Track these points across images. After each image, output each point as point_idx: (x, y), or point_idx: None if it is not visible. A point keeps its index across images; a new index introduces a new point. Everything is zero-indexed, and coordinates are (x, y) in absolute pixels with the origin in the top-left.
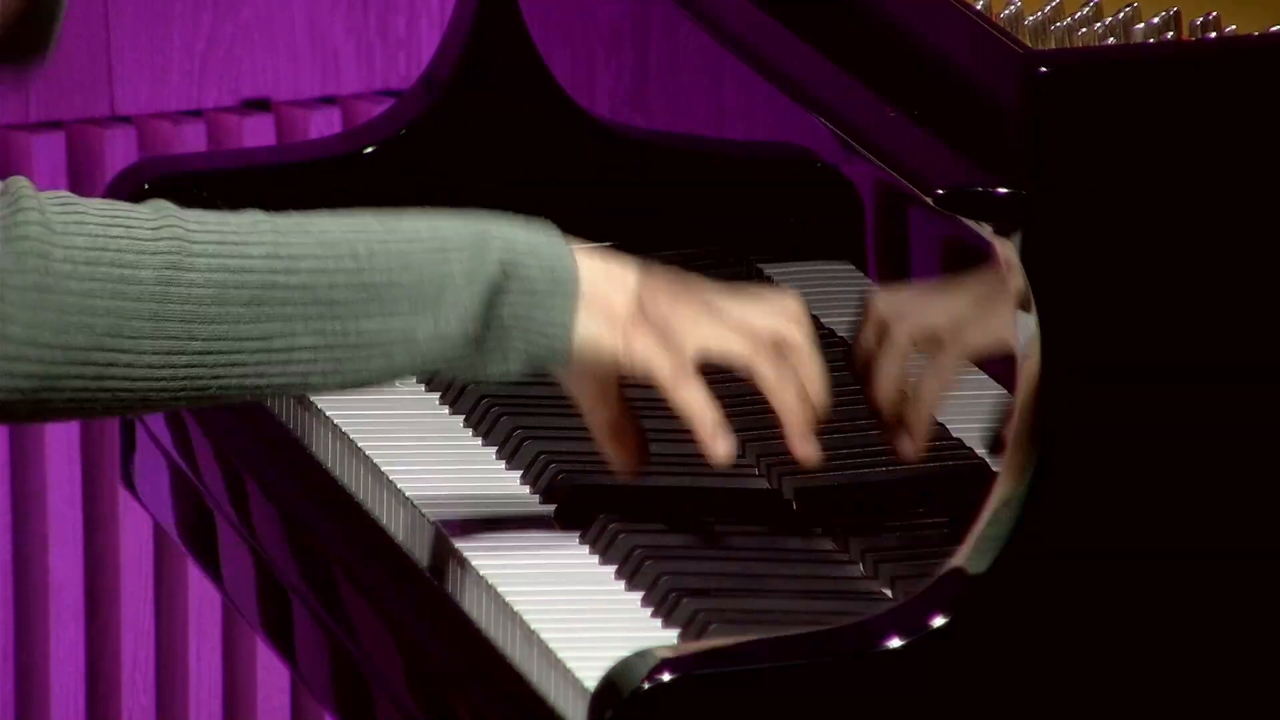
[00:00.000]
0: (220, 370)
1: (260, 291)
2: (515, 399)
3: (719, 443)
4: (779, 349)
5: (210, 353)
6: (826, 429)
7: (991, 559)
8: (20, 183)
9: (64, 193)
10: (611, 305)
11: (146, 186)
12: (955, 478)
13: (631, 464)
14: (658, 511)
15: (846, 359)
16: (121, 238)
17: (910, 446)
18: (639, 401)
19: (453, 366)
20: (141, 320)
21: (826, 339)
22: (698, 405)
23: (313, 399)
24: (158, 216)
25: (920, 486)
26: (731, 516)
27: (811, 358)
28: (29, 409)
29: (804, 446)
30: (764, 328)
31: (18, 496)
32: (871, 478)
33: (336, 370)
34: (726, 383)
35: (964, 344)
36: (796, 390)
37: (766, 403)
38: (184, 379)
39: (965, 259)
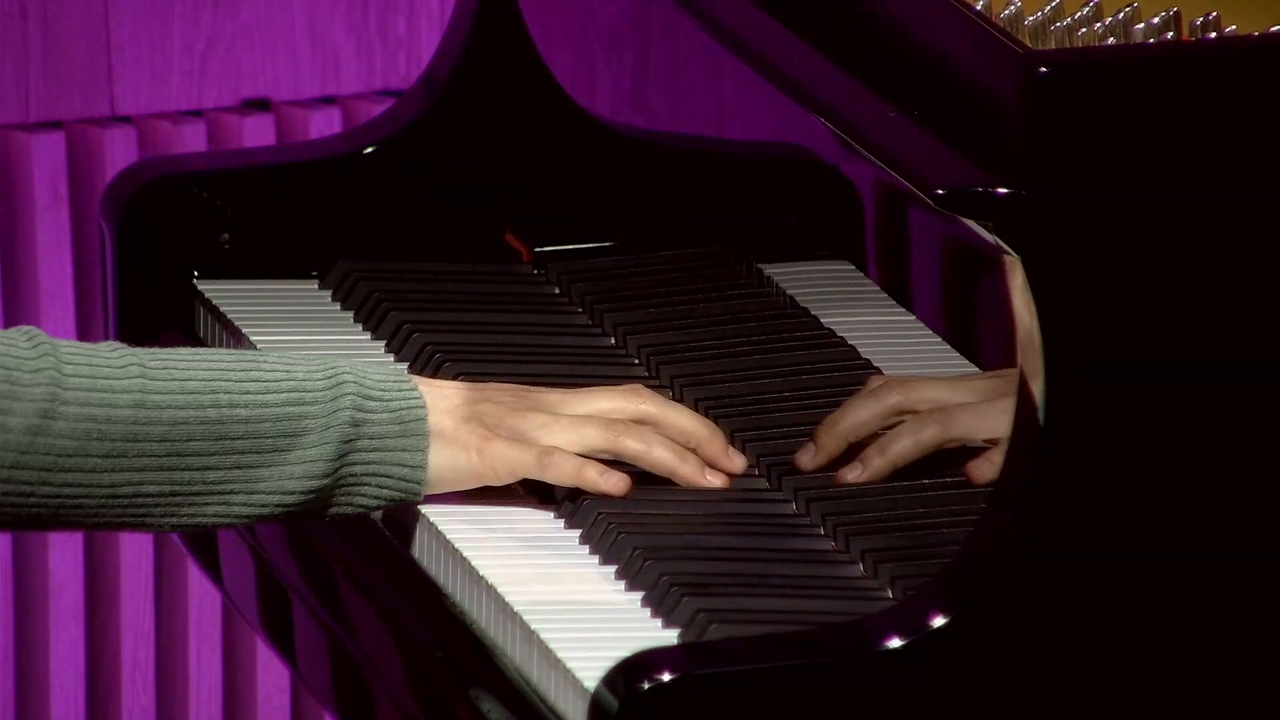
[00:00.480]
0: (63, 511)
1: (121, 444)
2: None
3: (610, 482)
4: (631, 423)
5: (58, 498)
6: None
7: (991, 559)
8: None
9: None
10: (460, 436)
11: (158, 183)
12: (955, 478)
13: (614, 492)
14: (658, 512)
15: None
16: (1, 382)
17: (812, 460)
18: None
19: (291, 514)
20: (1, 468)
21: (826, 339)
22: (571, 470)
23: None
24: (36, 355)
25: (920, 487)
26: (731, 516)
27: (669, 413)
28: None
29: (710, 481)
30: (610, 410)
31: None
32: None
33: (172, 515)
34: (722, 382)
35: (951, 422)
36: (666, 445)
37: (766, 403)
38: (25, 517)
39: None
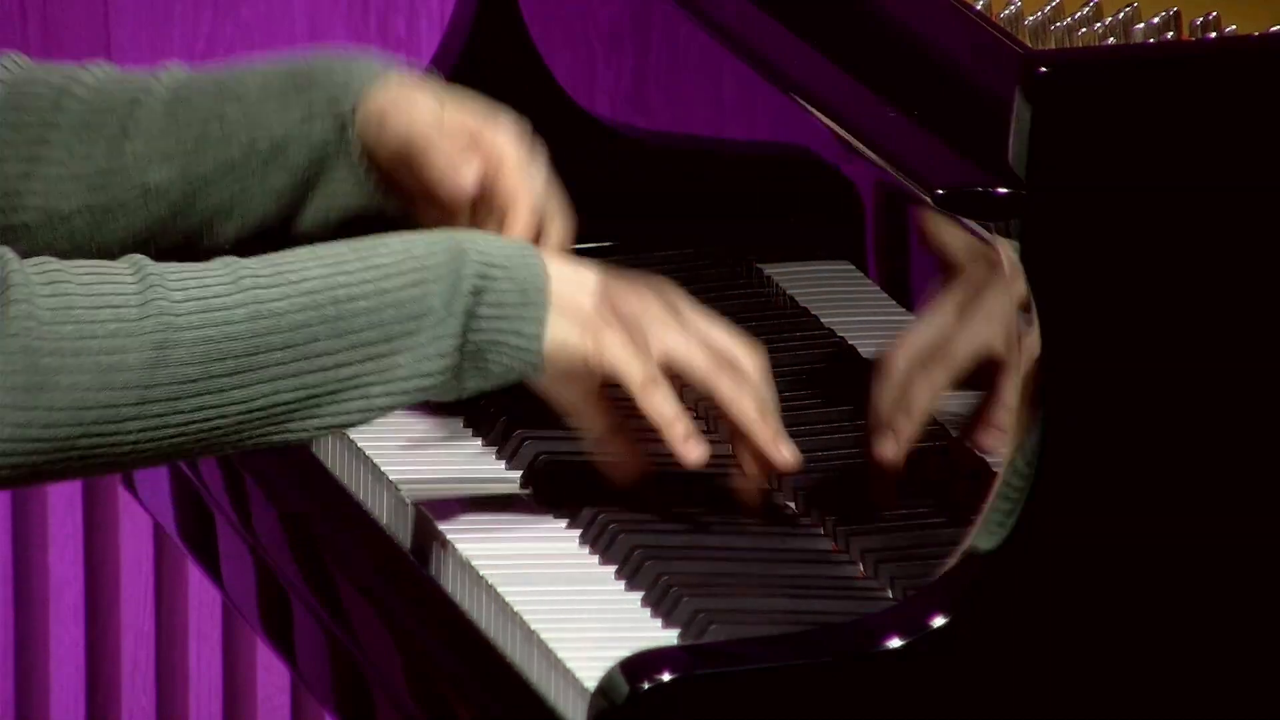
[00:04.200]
0: (203, 435)
1: (245, 359)
2: (515, 399)
3: (691, 448)
4: (735, 368)
5: (193, 423)
6: (827, 430)
7: (992, 559)
8: (6, 259)
9: (48, 263)
10: (580, 307)
11: None
12: (955, 478)
13: (627, 470)
14: (658, 511)
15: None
16: (109, 321)
17: (892, 450)
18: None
19: (429, 393)
20: (128, 405)
21: (826, 339)
22: (668, 414)
23: None
24: (143, 288)
25: (920, 487)
26: (731, 516)
27: (765, 383)
28: (16, 484)
29: (778, 453)
30: (725, 344)
31: (18, 497)
32: (871, 479)
33: (314, 416)
34: None
35: (954, 357)
36: (754, 403)
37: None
38: (167, 449)
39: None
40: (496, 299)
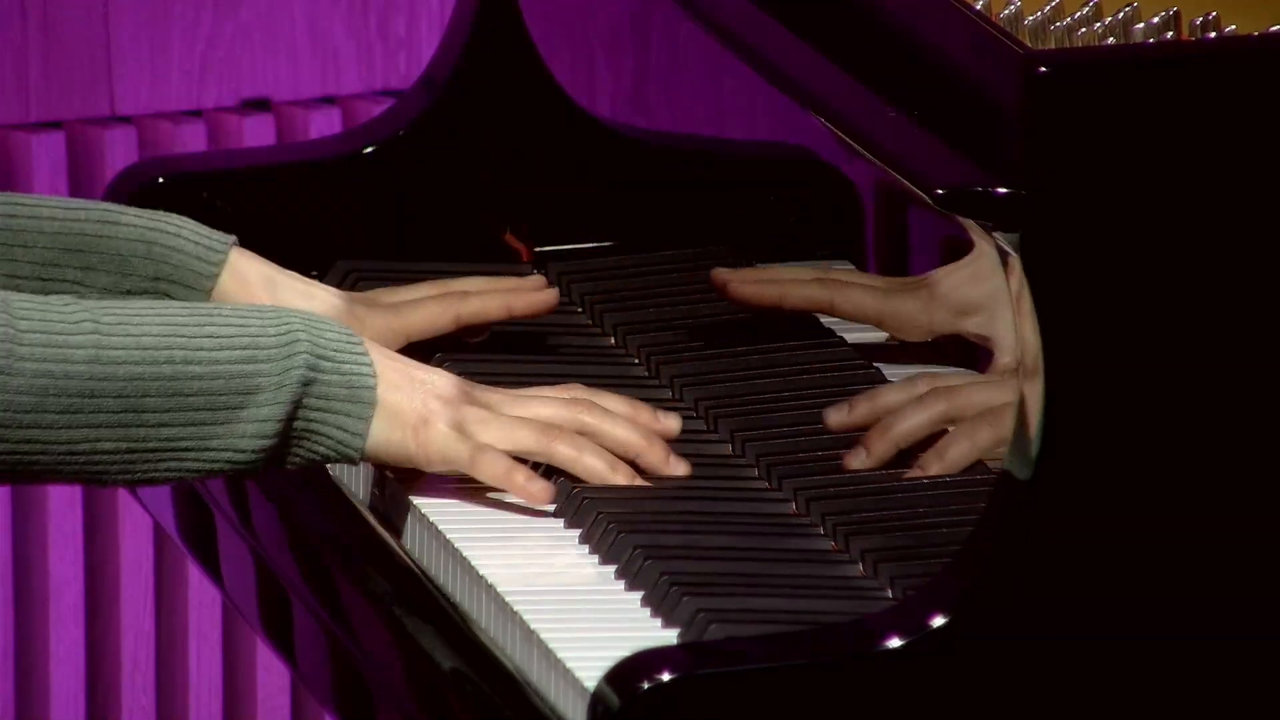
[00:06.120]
0: (20, 467)
1: (78, 399)
2: None
3: (535, 489)
4: (562, 430)
5: (14, 454)
6: (827, 431)
7: (992, 559)
8: None
9: None
10: (403, 412)
11: (158, 183)
12: (955, 478)
13: (535, 500)
14: (658, 511)
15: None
16: None
17: (862, 463)
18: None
19: (239, 469)
20: None
21: (826, 339)
22: (502, 470)
23: None
24: None
25: (921, 487)
26: (731, 516)
27: (606, 425)
28: None
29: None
30: (549, 417)
31: (18, 496)
32: (872, 479)
33: (127, 472)
34: (722, 382)
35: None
36: (598, 454)
37: (766, 403)
38: None
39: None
40: (324, 391)
